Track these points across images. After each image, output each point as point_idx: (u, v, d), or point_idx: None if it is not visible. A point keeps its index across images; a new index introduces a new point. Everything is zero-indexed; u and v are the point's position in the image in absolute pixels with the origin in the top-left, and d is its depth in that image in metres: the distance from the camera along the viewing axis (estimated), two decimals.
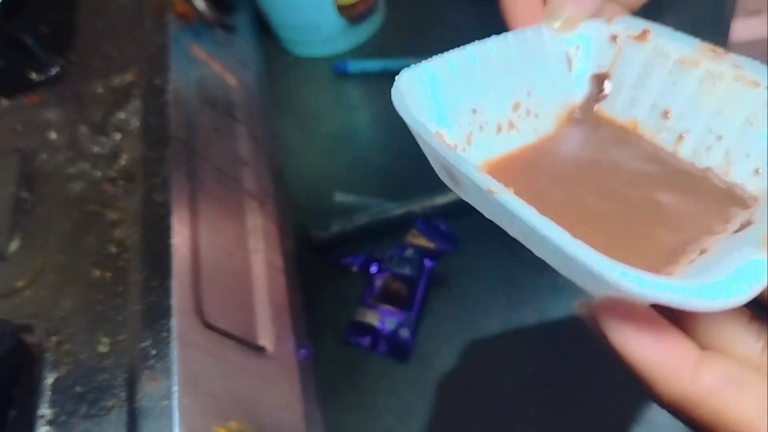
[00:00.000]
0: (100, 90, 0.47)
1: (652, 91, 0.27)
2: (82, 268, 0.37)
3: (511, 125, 0.28)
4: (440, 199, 0.53)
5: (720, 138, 0.26)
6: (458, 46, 0.27)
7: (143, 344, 0.33)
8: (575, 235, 0.19)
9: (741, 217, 0.24)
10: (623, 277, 0.17)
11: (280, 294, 0.43)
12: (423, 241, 0.50)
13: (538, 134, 0.28)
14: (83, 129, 0.45)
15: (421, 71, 0.26)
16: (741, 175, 0.25)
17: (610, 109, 0.29)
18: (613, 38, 0.28)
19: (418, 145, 0.27)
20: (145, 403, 0.31)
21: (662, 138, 0.27)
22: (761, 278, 0.18)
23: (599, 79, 0.29)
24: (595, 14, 0.28)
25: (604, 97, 0.29)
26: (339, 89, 0.66)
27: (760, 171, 0.25)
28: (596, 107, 0.29)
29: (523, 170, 0.27)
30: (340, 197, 0.57)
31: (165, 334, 0.33)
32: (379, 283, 0.50)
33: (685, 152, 0.27)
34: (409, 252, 0.50)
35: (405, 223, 0.54)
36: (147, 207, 0.39)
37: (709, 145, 0.26)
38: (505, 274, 0.49)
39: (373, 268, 0.50)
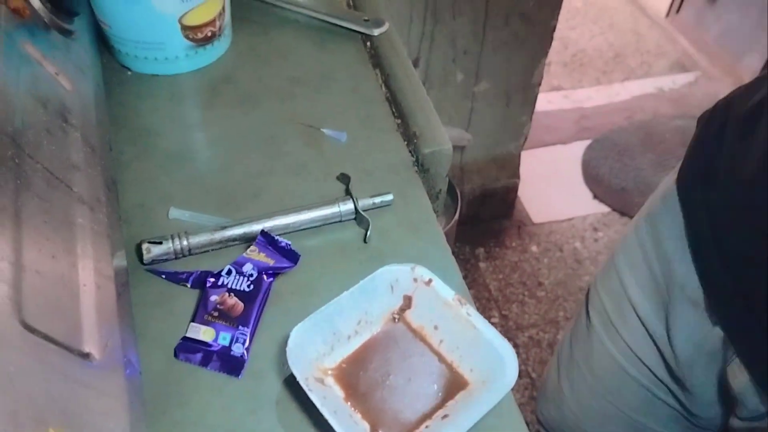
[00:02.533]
0: None
1: (431, 313, 0.49)
2: None
3: (356, 332, 0.49)
4: (280, 220, 0.55)
5: (458, 347, 0.48)
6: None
7: None
8: (375, 403, 0.46)
9: (459, 396, 0.46)
10: None
11: (109, 302, 0.41)
12: (262, 257, 0.50)
13: (372, 332, 0.50)
14: None
15: (304, 326, 0.45)
16: (465, 369, 0.47)
17: (412, 315, 0.50)
18: (414, 279, 0.50)
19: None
20: None
21: (433, 339, 0.49)
22: None
23: (407, 298, 0.50)
24: None
25: (410, 307, 0.50)
26: (179, 108, 0.65)
27: (472, 370, 0.47)
28: (405, 313, 0.50)
29: (359, 361, 0.48)
30: (175, 213, 0.56)
31: None
32: (214, 298, 0.49)
33: (443, 349, 0.49)
34: (248, 267, 0.50)
35: (243, 241, 0.54)
36: None
37: (453, 349, 0.48)
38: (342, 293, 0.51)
39: (208, 284, 0.50)
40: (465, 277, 1.75)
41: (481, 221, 1.83)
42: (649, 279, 0.63)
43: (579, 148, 2.09)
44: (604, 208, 1.93)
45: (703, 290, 0.56)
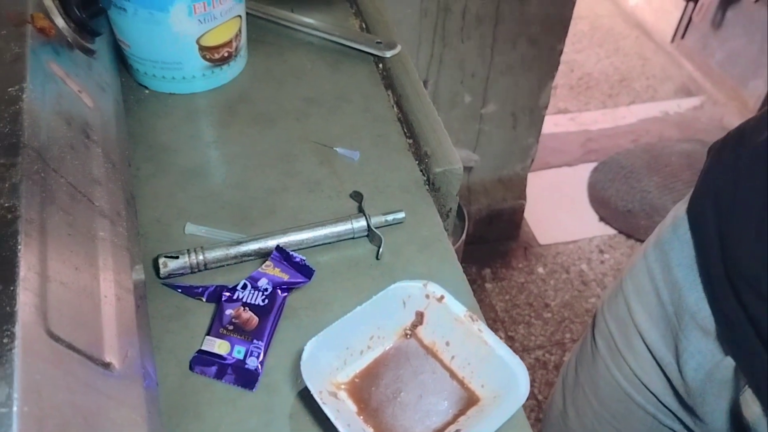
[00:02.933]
0: None
1: (443, 329, 0.50)
2: None
3: (369, 348, 0.49)
4: (294, 236, 0.55)
5: (469, 363, 0.49)
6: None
7: None
8: (387, 419, 0.46)
9: (470, 412, 0.46)
10: None
11: (128, 314, 0.42)
12: (277, 272, 0.51)
13: (384, 348, 0.50)
14: None
15: (318, 340, 0.46)
16: (476, 385, 0.48)
17: (424, 331, 0.51)
18: (426, 296, 0.50)
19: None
20: None
21: (444, 355, 0.50)
22: None
23: (419, 314, 0.51)
24: None
25: (422, 323, 0.51)
26: (196, 126, 0.67)
27: (483, 386, 0.48)
28: (418, 329, 0.51)
29: (372, 376, 0.49)
30: (191, 228, 0.57)
31: (8, 340, 0.31)
32: (229, 312, 0.50)
33: (454, 365, 0.49)
34: (263, 282, 0.51)
35: (258, 257, 0.55)
36: None
37: (464, 365, 0.49)
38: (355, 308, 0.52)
39: (224, 297, 0.50)
40: None
41: (488, 242, 1.84)
42: (657, 306, 0.63)
43: (585, 170, 2.10)
44: (610, 230, 1.94)
45: (714, 319, 0.56)
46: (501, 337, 1.65)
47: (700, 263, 0.57)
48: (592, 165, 2.12)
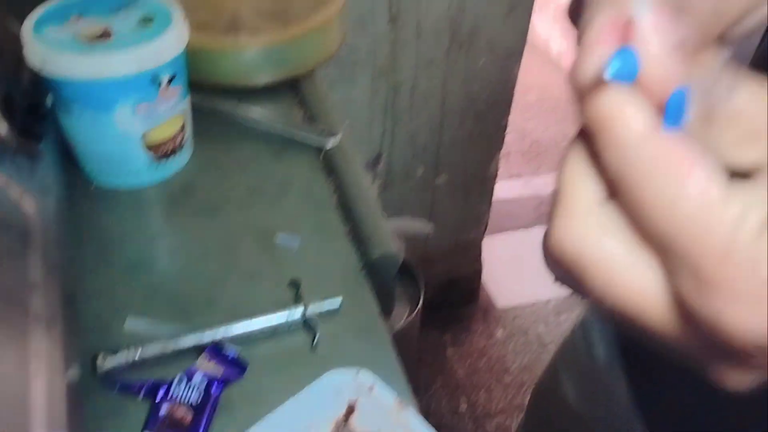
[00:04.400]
0: None
1: (373, 419, 0.50)
2: None
3: None
4: (234, 328, 0.57)
5: None
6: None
7: None
8: None
9: None
10: None
11: (60, 422, 0.43)
12: (212, 367, 0.53)
13: None
14: None
15: None
16: None
17: (356, 422, 0.51)
18: (358, 385, 0.52)
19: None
20: None
21: None
22: None
23: (351, 404, 0.51)
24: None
25: (354, 413, 0.51)
26: (140, 219, 0.69)
27: None
28: (350, 419, 0.51)
29: None
30: (132, 323, 0.58)
31: None
32: (164, 410, 0.51)
33: None
34: (197, 377, 0.52)
35: (195, 350, 0.56)
36: None
37: None
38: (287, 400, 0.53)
39: (159, 395, 0.52)
40: (432, 364, 1.76)
41: (447, 307, 1.86)
42: (589, 382, 0.66)
43: (540, 232, 2.16)
44: (565, 291, 1.98)
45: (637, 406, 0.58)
46: (463, 403, 1.65)
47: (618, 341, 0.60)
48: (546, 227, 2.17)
